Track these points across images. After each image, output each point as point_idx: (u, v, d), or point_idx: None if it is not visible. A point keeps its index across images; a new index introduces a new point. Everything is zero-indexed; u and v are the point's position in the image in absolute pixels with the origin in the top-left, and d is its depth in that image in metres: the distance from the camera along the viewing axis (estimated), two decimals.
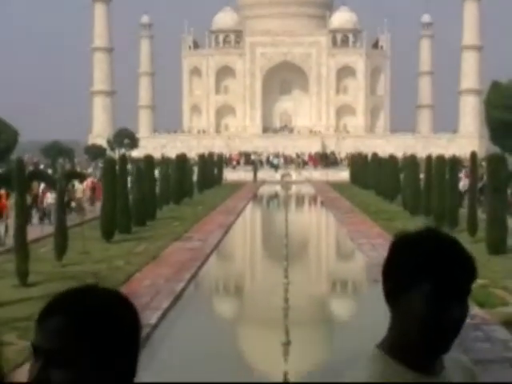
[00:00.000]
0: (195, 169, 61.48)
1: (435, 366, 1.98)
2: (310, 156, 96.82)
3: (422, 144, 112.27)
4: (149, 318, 15.33)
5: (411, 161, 42.65)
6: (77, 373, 1.61)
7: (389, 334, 1.99)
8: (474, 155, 29.73)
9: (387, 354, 1.96)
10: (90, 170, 68.64)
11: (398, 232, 2.03)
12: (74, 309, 1.64)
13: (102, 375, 1.64)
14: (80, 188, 43.16)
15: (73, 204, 39.31)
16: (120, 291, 1.73)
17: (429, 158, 38.62)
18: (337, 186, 65.26)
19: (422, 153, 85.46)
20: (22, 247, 18.88)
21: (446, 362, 2.01)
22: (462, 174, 42.68)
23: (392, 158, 53.12)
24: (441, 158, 34.79)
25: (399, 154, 66.48)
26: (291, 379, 11.48)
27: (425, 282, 1.91)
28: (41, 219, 34.60)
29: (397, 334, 1.96)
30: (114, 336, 1.64)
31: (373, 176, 57.55)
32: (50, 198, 34.58)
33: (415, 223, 34.07)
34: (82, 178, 47.63)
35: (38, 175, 47.07)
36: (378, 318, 15.49)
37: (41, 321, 1.66)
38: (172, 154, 63.36)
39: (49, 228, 29.04)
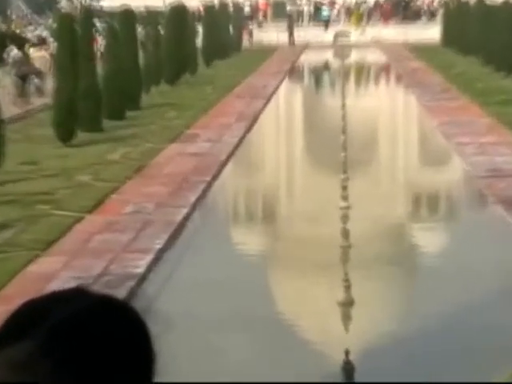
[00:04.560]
0: (200, 28, 61.19)
1: None
2: (379, 4, 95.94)
3: None
4: (134, 265, 15.40)
5: None
6: None
7: None
8: None
9: None
10: (36, 32, 68.44)
11: None
12: (52, 328, 1.56)
13: None
14: (39, 56, 42.91)
15: (35, 79, 39.10)
16: (115, 297, 1.66)
17: None
18: (421, 51, 65.30)
19: None
20: None
21: None
22: None
23: (508, 5, 52.36)
24: None
25: None
26: (355, 362, 11.49)
27: None
28: None
29: None
30: (111, 364, 1.58)
31: (478, 35, 56.88)
32: None
33: None
34: (23, 43, 47.77)
35: None
36: (479, 256, 15.35)
37: None
38: (160, 3, 62.67)
39: None
